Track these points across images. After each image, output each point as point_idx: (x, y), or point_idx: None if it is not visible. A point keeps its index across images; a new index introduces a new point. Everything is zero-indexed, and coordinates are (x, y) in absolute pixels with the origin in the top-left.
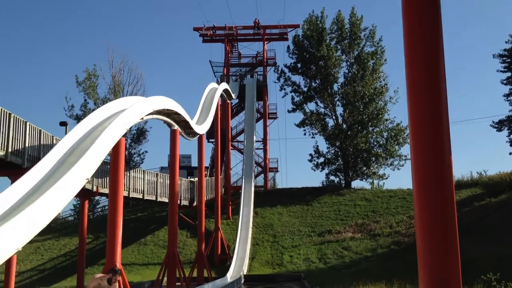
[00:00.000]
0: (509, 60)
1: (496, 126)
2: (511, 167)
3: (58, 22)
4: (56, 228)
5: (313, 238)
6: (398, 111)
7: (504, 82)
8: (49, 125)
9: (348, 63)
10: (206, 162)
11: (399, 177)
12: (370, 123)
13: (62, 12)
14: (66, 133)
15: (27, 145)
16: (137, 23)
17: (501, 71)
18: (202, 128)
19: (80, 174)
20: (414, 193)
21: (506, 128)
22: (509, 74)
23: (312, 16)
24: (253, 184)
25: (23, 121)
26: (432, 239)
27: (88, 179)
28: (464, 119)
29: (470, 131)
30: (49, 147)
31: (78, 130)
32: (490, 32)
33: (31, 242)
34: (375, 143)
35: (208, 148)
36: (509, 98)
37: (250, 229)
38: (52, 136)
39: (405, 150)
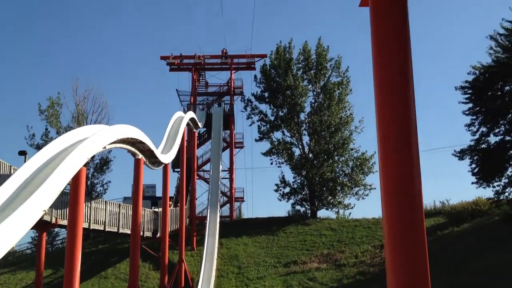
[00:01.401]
0: (470, 91)
1: (458, 155)
2: (473, 196)
3: (21, 49)
4: (13, 262)
5: (279, 269)
6: (363, 140)
7: (466, 112)
8: (8, 154)
9: (315, 92)
10: (171, 192)
11: (364, 206)
12: (336, 153)
13: (28, 40)
14: (25, 162)
15: None
16: (103, 51)
17: (463, 103)
18: (167, 157)
19: (37, 206)
20: (383, 221)
21: (468, 157)
22: (470, 105)
23: (280, 46)
24: (218, 214)
25: None
26: (402, 269)
27: (45, 210)
28: (426, 149)
29: (432, 160)
30: (6, 177)
31: (37, 159)
32: (453, 64)
33: None
34: (341, 173)
35: (173, 177)
36: (470, 128)
37: (215, 261)
38: (10, 166)
39: (370, 179)
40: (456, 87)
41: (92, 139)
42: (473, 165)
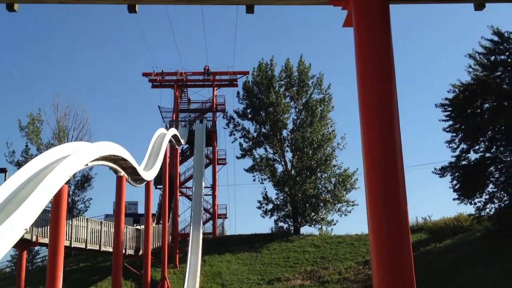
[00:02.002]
0: (450, 109)
1: (439, 172)
2: (455, 212)
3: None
4: None
5: (262, 286)
6: (345, 157)
7: (447, 130)
8: None
9: (297, 109)
10: (154, 209)
11: (347, 223)
12: (318, 169)
13: (7, 56)
14: (5, 180)
15: None
16: (84, 68)
17: (443, 120)
18: (149, 175)
19: (18, 224)
20: (370, 238)
21: (449, 174)
22: (450, 122)
23: (262, 63)
24: (201, 231)
25: None
26: (389, 283)
27: (26, 229)
28: (407, 165)
29: (413, 176)
30: None
31: (18, 177)
32: (432, 82)
33: None
34: (324, 189)
35: (155, 194)
36: (450, 145)
37: (198, 278)
38: None
39: (353, 195)
40: (436, 104)
41: (74, 156)
42: (454, 182)
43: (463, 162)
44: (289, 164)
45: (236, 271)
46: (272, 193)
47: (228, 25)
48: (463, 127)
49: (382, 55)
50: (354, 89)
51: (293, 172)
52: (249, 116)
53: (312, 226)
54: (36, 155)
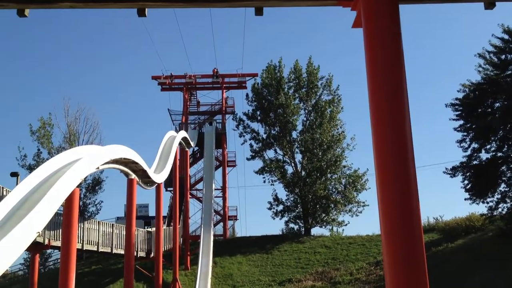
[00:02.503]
0: (461, 108)
1: (450, 172)
2: (466, 212)
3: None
4: (5, 283)
5: (274, 287)
6: (355, 158)
7: (457, 129)
8: None
9: (306, 111)
10: (164, 211)
11: (357, 223)
12: (328, 170)
13: (17, 59)
14: (17, 184)
15: None
16: (94, 72)
17: (453, 119)
18: (160, 177)
19: (31, 228)
20: (382, 239)
21: (460, 173)
22: (461, 122)
23: (271, 65)
24: (212, 233)
25: None
26: (402, 284)
27: (39, 232)
28: (418, 165)
29: (424, 176)
30: None
31: (30, 181)
32: (442, 82)
33: None
34: (334, 190)
35: (166, 197)
36: (462, 145)
37: (209, 280)
38: (2, 187)
39: (363, 196)
40: (446, 104)
41: (85, 160)
42: (466, 181)
43: (475, 162)
44: (299, 166)
45: (247, 273)
46: (283, 194)
47: (237, 27)
48: (474, 126)
49: (392, 55)
50: (364, 89)
51: (303, 173)
52: (258, 118)
53: (323, 227)
54: (47, 159)
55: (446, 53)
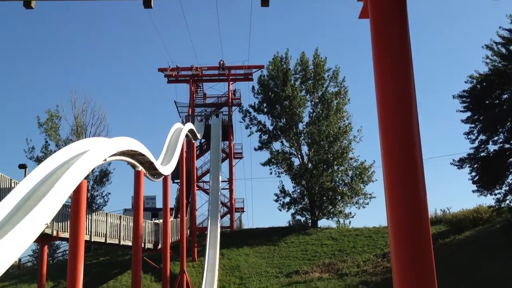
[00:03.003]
0: (468, 100)
1: (457, 164)
2: (474, 204)
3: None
4: (14, 274)
5: (281, 279)
6: (362, 149)
7: (465, 121)
8: (7, 167)
9: (313, 103)
10: (171, 203)
11: (364, 215)
12: (335, 162)
13: (26, 52)
14: (25, 176)
15: None
16: (100, 64)
17: (461, 111)
18: (167, 169)
19: (39, 219)
20: (389, 231)
21: (467, 165)
22: (469, 113)
23: (277, 57)
24: (219, 225)
25: None
26: (409, 278)
27: (47, 224)
28: (425, 157)
29: (432, 168)
30: (7, 191)
31: (38, 173)
32: (449, 73)
33: None
34: (341, 182)
35: (173, 189)
36: (469, 136)
37: (216, 272)
38: (11, 179)
39: (370, 188)
40: (454, 95)
41: (93, 152)
42: (473, 173)
43: (482, 154)
44: (305, 158)
45: (254, 264)
46: (289, 186)
47: (243, 19)
48: (481, 118)
49: (399, 46)
50: (371, 81)
51: (309, 165)
52: (265, 110)
53: (330, 219)
54: (55, 151)
55: (454, 45)
